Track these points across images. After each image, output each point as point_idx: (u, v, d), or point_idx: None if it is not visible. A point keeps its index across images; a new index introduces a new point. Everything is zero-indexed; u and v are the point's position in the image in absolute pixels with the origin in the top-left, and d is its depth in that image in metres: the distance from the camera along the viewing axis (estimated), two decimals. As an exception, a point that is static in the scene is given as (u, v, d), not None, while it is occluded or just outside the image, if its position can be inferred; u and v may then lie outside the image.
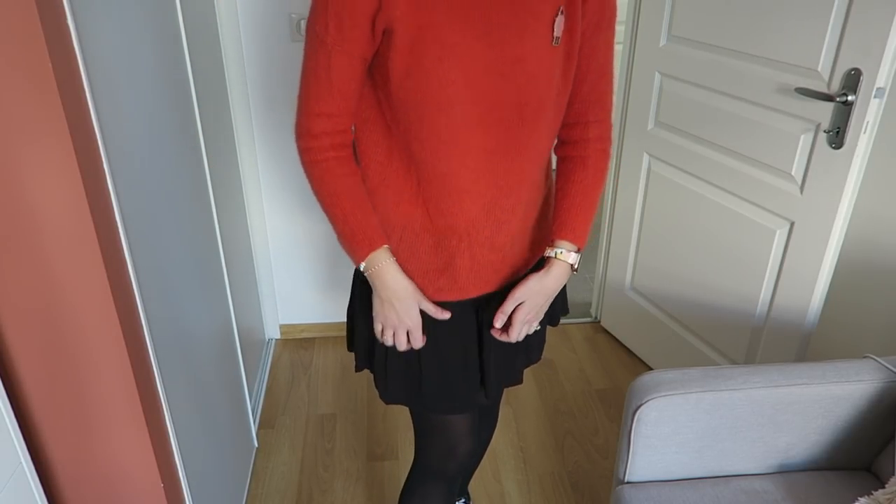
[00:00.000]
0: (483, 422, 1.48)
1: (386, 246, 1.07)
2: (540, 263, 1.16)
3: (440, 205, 1.06)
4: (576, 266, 1.13)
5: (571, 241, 1.12)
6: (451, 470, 1.32)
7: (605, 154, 1.15)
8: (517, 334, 1.13)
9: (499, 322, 1.12)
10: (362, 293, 1.19)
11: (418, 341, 1.11)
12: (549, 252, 1.12)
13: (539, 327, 1.20)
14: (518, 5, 0.96)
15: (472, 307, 1.17)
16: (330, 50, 0.96)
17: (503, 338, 1.14)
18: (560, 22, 0.99)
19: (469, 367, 1.18)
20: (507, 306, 1.11)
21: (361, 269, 1.07)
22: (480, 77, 0.97)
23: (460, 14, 0.93)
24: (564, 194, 1.14)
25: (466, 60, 0.95)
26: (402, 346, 1.11)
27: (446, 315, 1.11)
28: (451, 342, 1.16)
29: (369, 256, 1.05)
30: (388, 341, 1.11)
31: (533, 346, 1.29)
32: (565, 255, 1.11)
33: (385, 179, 1.08)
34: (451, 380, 1.18)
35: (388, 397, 1.21)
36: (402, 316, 1.08)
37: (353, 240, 1.05)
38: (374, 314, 1.11)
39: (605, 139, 1.15)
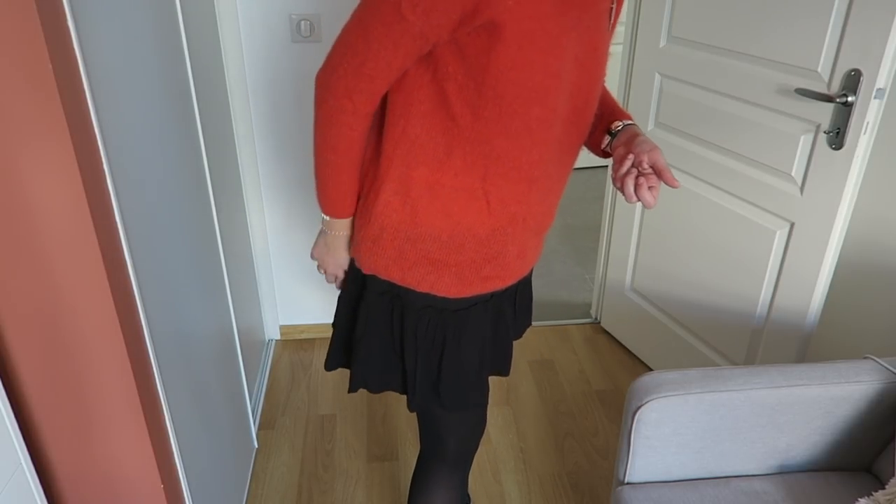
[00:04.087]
0: None
1: (349, 220, 1.14)
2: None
3: (505, 197, 1.06)
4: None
5: (628, 118, 1.15)
6: (472, 451, 1.35)
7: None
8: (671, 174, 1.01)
9: (671, 181, 1.00)
10: (373, 311, 1.17)
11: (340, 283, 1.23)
12: (619, 124, 1.13)
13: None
14: None
15: (493, 298, 1.18)
16: (409, 27, 0.90)
17: (653, 193, 1.01)
18: (614, 8, 1.03)
19: (486, 360, 1.20)
20: (648, 159, 1.01)
21: (322, 216, 1.15)
22: (571, 67, 0.98)
23: (560, 4, 0.92)
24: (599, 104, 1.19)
25: (565, 52, 0.96)
26: (334, 283, 1.24)
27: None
28: (472, 343, 1.16)
29: (334, 221, 1.14)
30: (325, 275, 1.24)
31: (522, 322, 1.33)
32: (632, 122, 1.14)
33: (439, 180, 1.04)
34: (468, 380, 1.19)
35: (415, 405, 1.21)
36: (335, 268, 1.20)
37: (330, 199, 1.11)
38: (314, 250, 1.22)
39: None
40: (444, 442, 1.30)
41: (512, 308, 1.24)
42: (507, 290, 1.19)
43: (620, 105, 1.23)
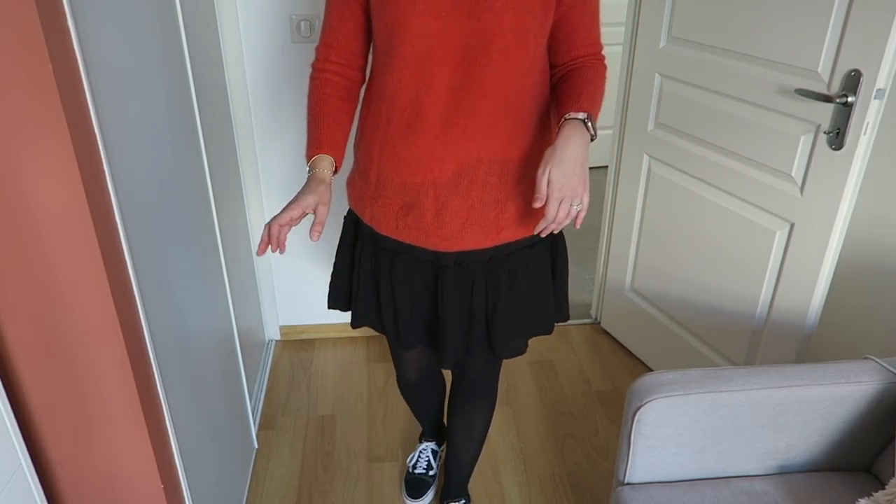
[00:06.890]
0: (475, 397, 1.56)
1: (329, 157, 1.18)
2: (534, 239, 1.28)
3: (407, 138, 1.16)
4: (591, 128, 1.11)
5: (576, 109, 1.12)
6: (406, 379, 1.60)
7: (600, 61, 1.24)
8: (555, 212, 1.06)
9: (537, 203, 1.07)
10: (343, 236, 1.37)
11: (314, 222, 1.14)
12: (564, 118, 1.13)
13: (579, 207, 1.08)
14: None
15: (432, 266, 1.27)
16: None
17: (550, 227, 1.09)
18: None
19: (409, 315, 1.31)
20: (540, 183, 1.06)
21: (307, 169, 1.19)
22: (448, 12, 1.07)
23: None
24: (564, 88, 1.21)
25: None
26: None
27: (316, 232, 1.12)
28: (404, 290, 1.29)
29: (313, 158, 1.18)
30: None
31: (498, 335, 1.31)
32: (573, 114, 1.11)
33: (364, 124, 1.24)
34: (400, 319, 1.32)
35: (355, 321, 1.37)
36: (299, 196, 1.13)
37: (308, 141, 1.20)
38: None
39: (598, 55, 1.24)
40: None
41: (465, 296, 1.28)
42: (459, 270, 1.25)
43: (581, 92, 1.17)
